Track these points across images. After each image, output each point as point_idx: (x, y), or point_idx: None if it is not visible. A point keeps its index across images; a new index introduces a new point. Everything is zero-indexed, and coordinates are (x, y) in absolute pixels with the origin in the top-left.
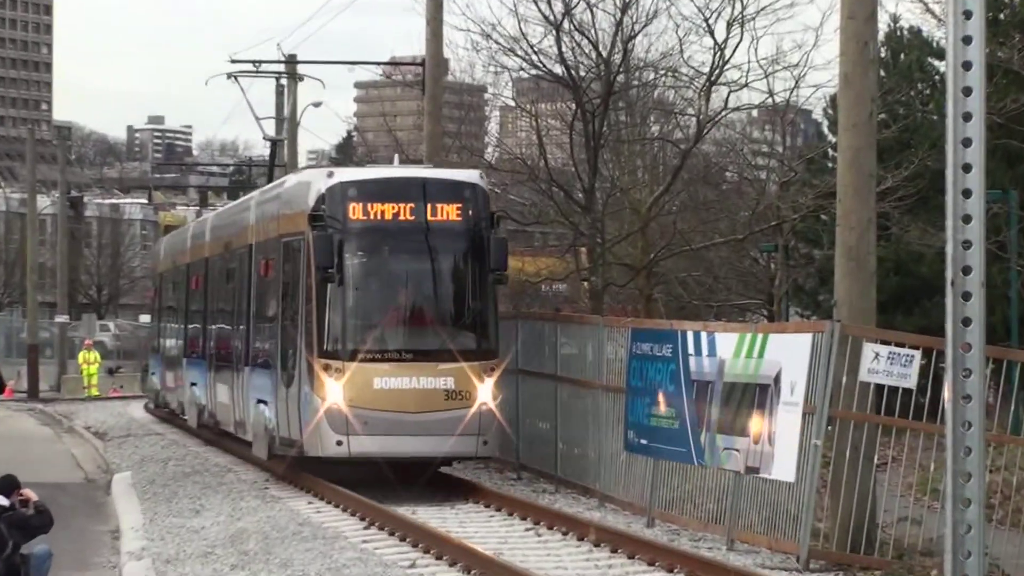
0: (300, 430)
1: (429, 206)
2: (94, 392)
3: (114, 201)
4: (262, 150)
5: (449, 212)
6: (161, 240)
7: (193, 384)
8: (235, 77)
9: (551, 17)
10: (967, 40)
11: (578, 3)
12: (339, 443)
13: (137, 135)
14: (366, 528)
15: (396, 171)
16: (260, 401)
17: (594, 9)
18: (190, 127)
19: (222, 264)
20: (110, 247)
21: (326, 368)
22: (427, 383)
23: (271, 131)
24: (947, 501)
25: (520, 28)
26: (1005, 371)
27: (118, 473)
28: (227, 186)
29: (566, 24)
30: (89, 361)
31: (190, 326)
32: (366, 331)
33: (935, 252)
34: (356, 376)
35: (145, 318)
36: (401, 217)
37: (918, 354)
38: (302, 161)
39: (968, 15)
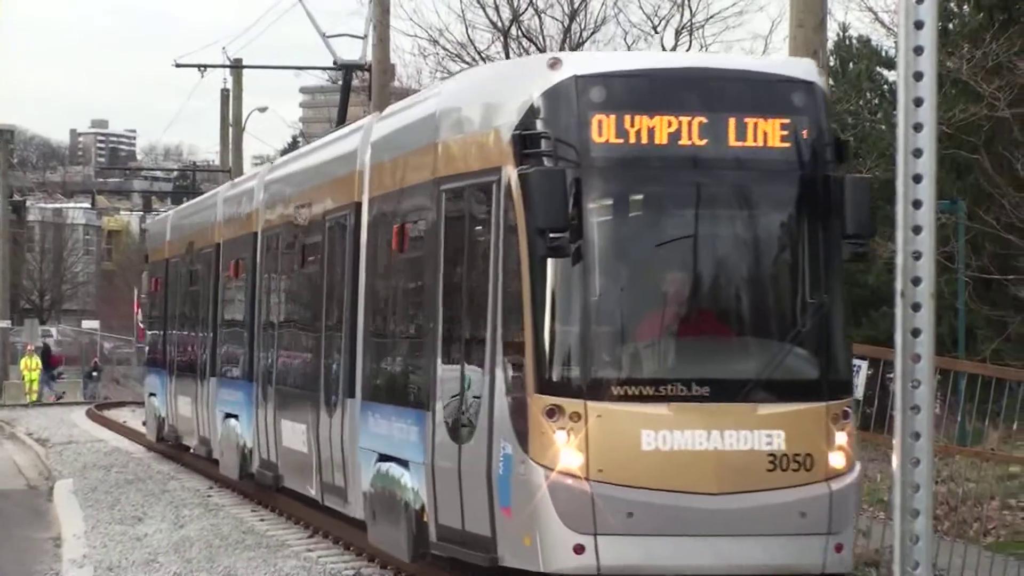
0: (491, 520)
1: (734, 123)
2: (34, 398)
3: (57, 206)
4: (206, 155)
5: (769, 133)
6: (166, 216)
7: (230, 416)
8: None
9: (499, 23)
10: (918, 51)
11: (526, 10)
12: (579, 549)
13: (80, 139)
14: (310, 536)
15: (670, 59)
16: (389, 459)
17: (542, 16)
18: (134, 131)
19: (290, 239)
20: (53, 252)
21: (551, 412)
22: (738, 440)
23: (346, 54)
24: (895, 512)
25: (468, 34)
26: (952, 382)
27: (60, 480)
28: (171, 191)
29: (514, 30)
30: (31, 367)
31: (224, 331)
32: (626, 347)
33: (882, 262)
34: (609, 427)
35: (88, 323)
36: (683, 141)
37: (865, 364)
38: (247, 168)
39: (919, 25)
